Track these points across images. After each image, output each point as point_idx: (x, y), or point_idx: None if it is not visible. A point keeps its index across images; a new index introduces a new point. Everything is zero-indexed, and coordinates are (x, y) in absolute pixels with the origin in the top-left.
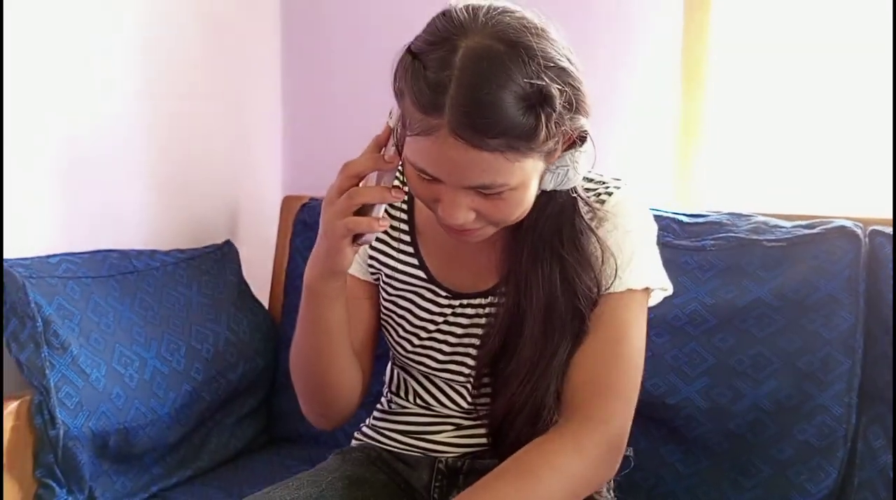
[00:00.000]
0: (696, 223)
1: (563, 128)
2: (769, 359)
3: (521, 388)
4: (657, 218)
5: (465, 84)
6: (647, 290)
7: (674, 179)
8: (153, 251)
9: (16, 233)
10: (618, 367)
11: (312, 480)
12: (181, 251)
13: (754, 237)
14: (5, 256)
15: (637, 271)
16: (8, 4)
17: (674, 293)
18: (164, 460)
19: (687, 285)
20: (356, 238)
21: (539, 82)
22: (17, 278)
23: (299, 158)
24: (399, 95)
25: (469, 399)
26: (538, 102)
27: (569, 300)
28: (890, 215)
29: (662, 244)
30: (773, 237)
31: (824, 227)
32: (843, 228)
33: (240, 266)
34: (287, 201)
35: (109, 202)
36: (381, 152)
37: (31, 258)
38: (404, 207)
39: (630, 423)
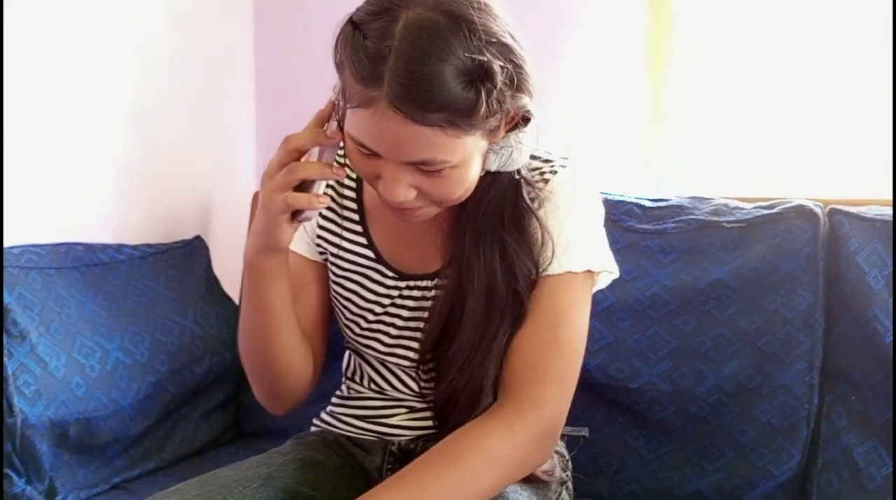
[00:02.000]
0: (658, 207)
1: (504, 105)
2: (730, 340)
3: (461, 371)
4: (619, 203)
5: (404, 56)
6: (589, 272)
7: (643, 164)
8: (120, 245)
9: None
10: (554, 351)
11: (264, 461)
12: (149, 246)
13: (714, 219)
14: None
15: (578, 252)
16: None
17: (636, 277)
18: (128, 452)
19: (649, 268)
20: (296, 214)
21: (480, 57)
22: None
23: (272, 154)
24: (339, 67)
25: (419, 383)
26: (479, 77)
27: (508, 282)
28: (850, 196)
29: (625, 228)
30: (733, 219)
31: (783, 207)
32: (801, 207)
33: (209, 261)
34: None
35: (77, 196)
36: (324, 128)
37: None
38: (353, 184)
39: (566, 408)
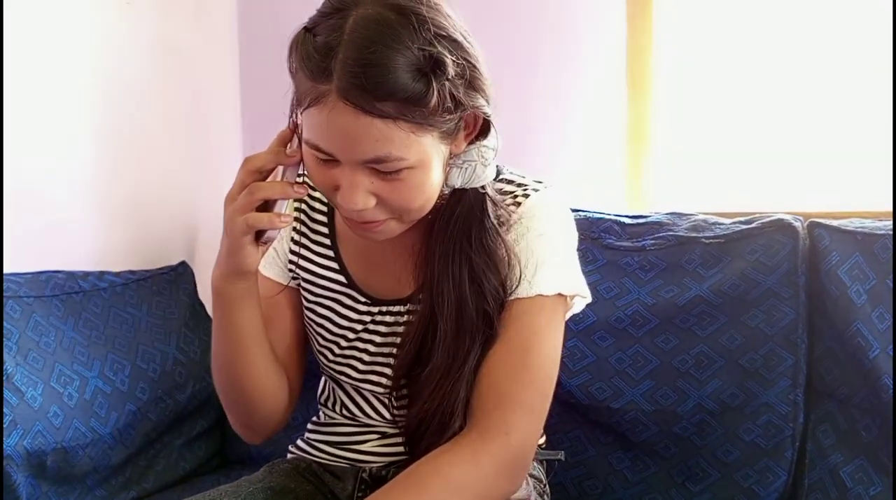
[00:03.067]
0: (637, 224)
1: (458, 99)
2: (712, 358)
3: (432, 395)
4: (598, 220)
5: (353, 46)
6: (560, 296)
7: (624, 182)
8: (102, 272)
9: None
10: (523, 377)
11: (232, 490)
12: (132, 273)
13: (693, 235)
14: None
15: (548, 275)
16: None
17: (617, 294)
18: (108, 481)
19: (629, 286)
20: (259, 236)
21: (430, 48)
22: None
23: None
24: (293, 72)
25: (391, 409)
26: (429, 67)
27: (477, 302)
28: (830, 209)
29: (604, 246)
30: (712, 234)
31: (762, 221)
32: (780, 221)
33: (195, 287)
34: None
35: (58, 223)
36: (285, 148)
37: None
38: (324, 209)
39: (536, 435)
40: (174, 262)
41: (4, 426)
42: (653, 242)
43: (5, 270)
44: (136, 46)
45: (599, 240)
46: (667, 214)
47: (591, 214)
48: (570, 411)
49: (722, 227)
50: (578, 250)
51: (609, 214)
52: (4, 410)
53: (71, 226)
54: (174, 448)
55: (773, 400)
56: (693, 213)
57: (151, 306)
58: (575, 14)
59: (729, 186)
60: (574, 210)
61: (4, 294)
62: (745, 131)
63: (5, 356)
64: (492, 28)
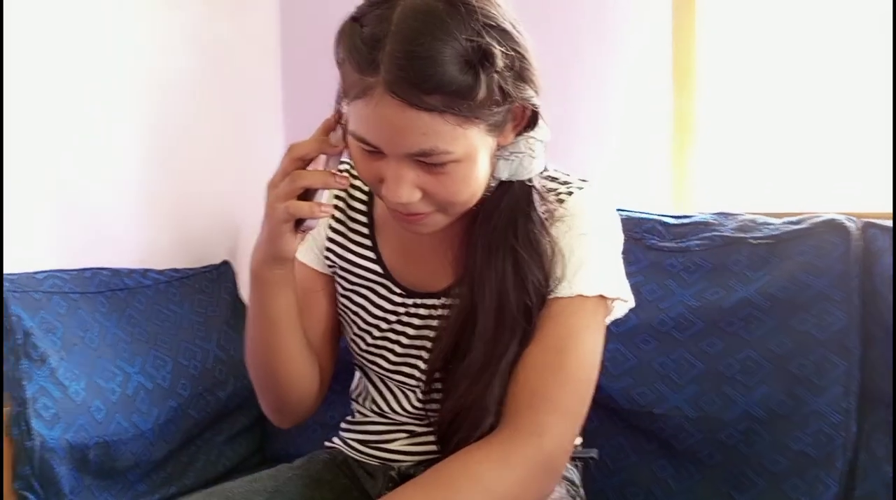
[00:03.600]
0: (682, 224)
1: (506, 91)
2: (759, 363)
3: (469, 390)
4: (642, 220)
5: (400, 39)
6: (601, 298)
7: (669, 181)
8: (146, 270)
9: (5, 250)
10: (557, 378)
11: (272, 475)
12: (176, 271)
13: (740, 235)
14: None
15: (589, 276)
16: (12, 29)
17: (660, 297)
18: (149, 476)
19: (673, 287)
20: (299, 224)
21: (479, 40)
22: None
23: None
24: (340, 64)
25: (419, 403)
26: (477, 59)
27: (519, 296)
28: (886, 209)
29: (647, 247)
30: (760, 235)
31: (813, 221)
32: (832, 221)
33: (236, 285)
34: None
35: (104, 223)
36: (329, 137)
37: (18, 274)
38: (364, 198)
39: (569, 439)
40: (217, 261)
41: (48, 419)
42: (698, 242)
43: (51, 266)
44: (179, 44)
45: (642, 240)
46: (713, 214)
47: (633, 214)
48: (611, 417)
49: (771, 227)
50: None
51: (652, 214)
52: (48, 403)
53: (116, 225)
54: (214, 445)
55: (824, 408)
56: (740, 213)
57: (194, 304)
58: (617, 4)
59: (779, 185)
60: (616, 210)
61: (50, 290)
62: (796, 127)
63: (50, 351)
64: (531, 19)
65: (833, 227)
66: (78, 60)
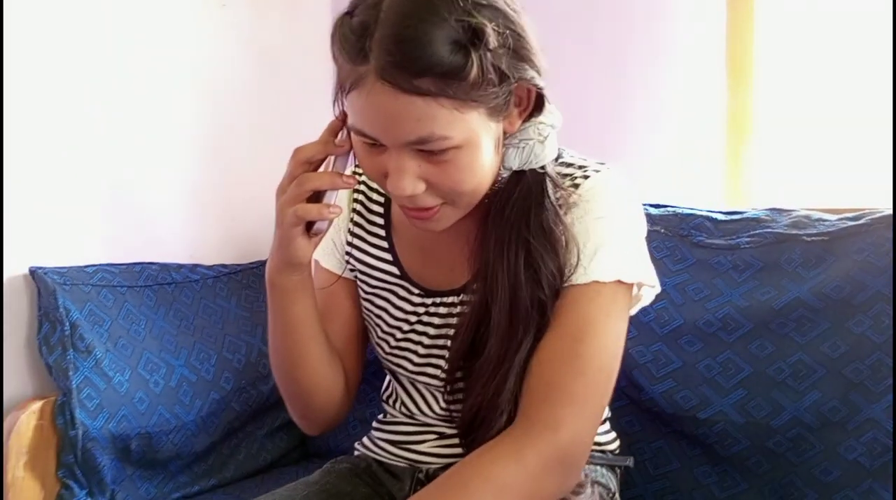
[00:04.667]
0: (731, 220)
1: (502, 71)
2: (812, 367)
3: (485, 387)
4: (688, 216)
5: (388, 23)
6: (620, 284)
7: (723, 179)
8: (195, 265)
9: (59, 245)
10: (573, 368)
11: (288, 494)
12: (224, 266)
13: (793, 232)
14: (44, 265)
15: (606, 261)
16: (72, 31)
17: (707, 296)
18: (191, 468)
19: (721, 287)
20: (310, 227)
21: (468, 18)
22: (49, 285)
23: None
24: (334, 58)
25: (444, 404)
26: (467, 38)
27: (532, 289)
28: None
29: (694, 244)
30: (815, 231)
31: (871, 217)
32: (892, 217)
33: None
34: None
35: (156, 220)
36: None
37: (69, 267)
38: (381, 200)
39: (588, 431)
40: (264, 257)
41: (91, 409)
42: (748, 239)
43: (102, 260)
44: (230, 48)
45: (689, 237)
46: (765, 210)
47: (680, 210)
48: (653, 421)
49: (826, 223)
50: (666, 247)
51: (700, 210)
52: (92, 393)
53: (167, 221)
54: (256, 438)
55: (880, 416)
56: (794, 209)
57: (241, 299)
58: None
59: (836, 182)
60: (661, 205)
61: (99, 284)
62: (857, 122)
63: (96, 342)
64: (581, 15)
65: (892, 223)
66: (134, 63)
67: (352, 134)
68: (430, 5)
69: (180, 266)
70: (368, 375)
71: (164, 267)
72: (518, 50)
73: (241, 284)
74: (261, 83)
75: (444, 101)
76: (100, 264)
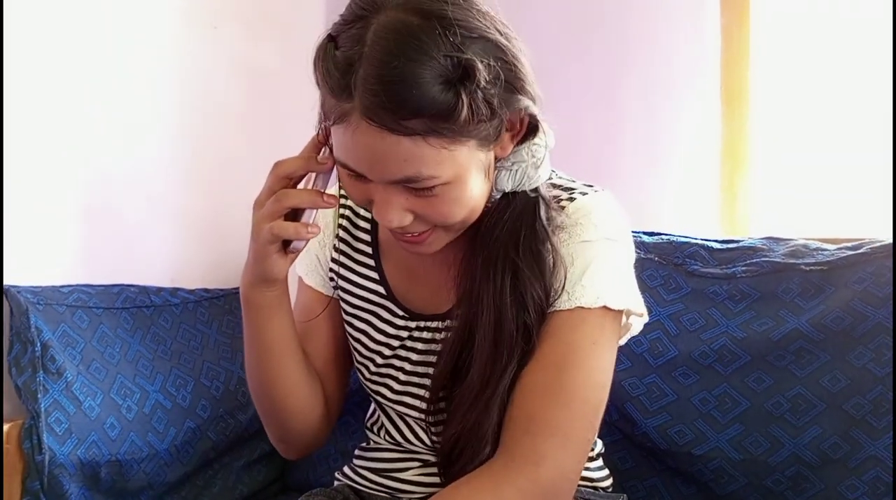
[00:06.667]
0: (728, 249)
1: (496, 109)
2: (811, 402)
3: (466, 416)
4: (683, 244)
5: (373, 62)
6: (606, 310)
7: (719, 208)
8: (176, 289)
9: (34, 263)
10: (556, 399)
11: None
12: (206, 291)
13: (791, 261)
14: (18, 283)
15: (592, 286)
16: (51, 48)
17: (702, 327)
18: (163, 499)
19: (716, 317)
20: (287, 244)
21: (458, 55)
22: (22, 304)
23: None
24: (318, 85)
25: (429, 434)
26: (457, 77)
27: (517, 313)
28: None
29: (689, 273)
30: (813, 261)
31: (871, 246)
32: (892, 246)
33: None
34: None
35: (136, 240)
36: (318, 154)
37: (43, 287)
38: (368, 216)
39: (573, 467)
40: None
41: (59, 433)
42: (744, 268)
43: (78, 281)
44: (221, 69)
45: (684, 266)
46: (762, 238)
47: (674, 238)
48: (646, 457)
49: (825, 253)
50: (660, 275)
51: (695, 239)
52: (61, 417)
53: (149, 243)
54: (233, 470)
55: (882, 453)
56: (792, 238)
57: (222, 325)
58: (665, 25)
59: (836, 212)
60: (656, 233)
61: (74, 304)
62: (854, 151)
63: (68, 364)
64: (576, 42)
65: (893, 253)
66: (118, 79)
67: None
68: (418, 42)
69: (160, 289)
70: (352, 406)
71: (144, 289)
72: (511, 81)
73: (223, 309)
74: (251, 106)
75: (433, 140)
76: (76, 285)
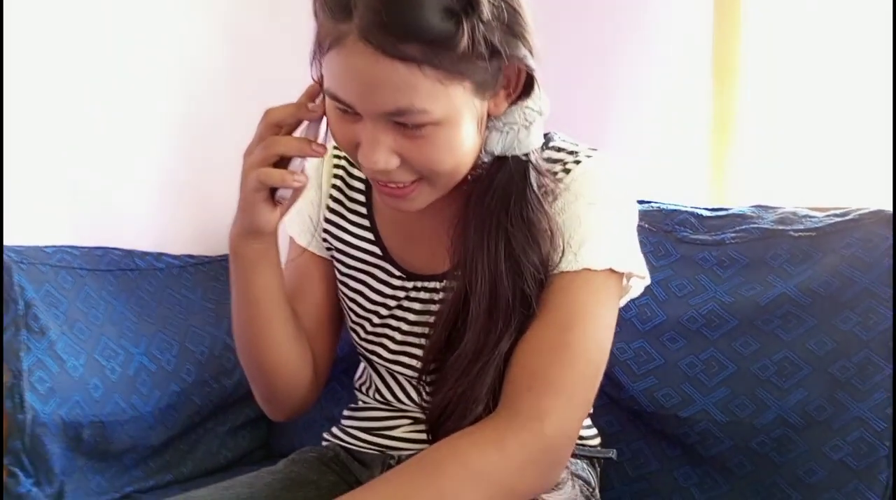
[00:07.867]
0: (717, 216)
1: (494, 45)
2: (797, 365)
3: (458, 382)
4: (673, 212)
5: None
6: (611, 273)
7: (708, 178)
8: (161, 254)
9: (20, 224)
10: (561, 358)
11: (248, 482)
12: (192, 256)
13: (780, 228)
14: (5, 242)
15: (598, 248)
16: (42, 22)
17: (690, 292)
18: (146, 462)
19: (705, 283)
20: (275, 193)
21: None
22: (6, 262)
23: None
24: (315, 15)
25: (422, 395)
26: (461, 6)
27: (514, 281)
28: None
29: (678, 239)
30: (802, 227)
31: (859, 212)
32: (880, 212)
33: None
34: None
35: (122, 204)
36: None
37: (27, 246)
38: (363, 176)
39: (573, 425)
40: None
41: (42, 392)
42: (734, 235)
43: (64, 242)
44: (211, 36)
45: (673, 233)
46: (751, 206)
47: (664, 206)
48: (633, 420)
49: (814, 219)
50: (649, 242)
51: (685, 206)
52: (44, 376)
53: (134, 208)
54: (217, 435)
55: (867, 415)
56: (781, 205)
57: (207, 291)
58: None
59: (822, 181)
60: (646, 201)
61: (58, 264)
62: (844, 121)
63: (51, 324)
64: (568, 14)
65: (881, 218)
66: (110, 48)
67: (326, 99)
68: None
69: (145, 254)
70: (338, 373)
71: (129, 253)
72: (512, 25)
73: (209, 275)
74: (241, 73)
75: (428, 70)
76: (60, 246)
